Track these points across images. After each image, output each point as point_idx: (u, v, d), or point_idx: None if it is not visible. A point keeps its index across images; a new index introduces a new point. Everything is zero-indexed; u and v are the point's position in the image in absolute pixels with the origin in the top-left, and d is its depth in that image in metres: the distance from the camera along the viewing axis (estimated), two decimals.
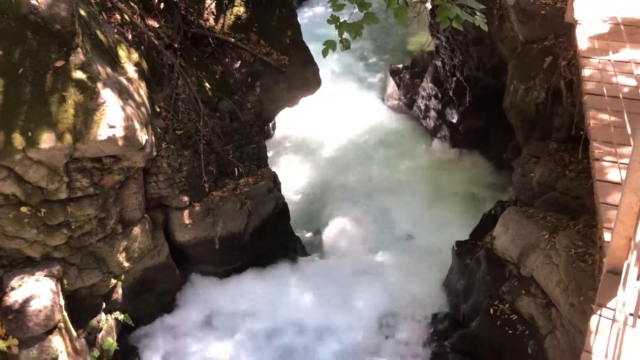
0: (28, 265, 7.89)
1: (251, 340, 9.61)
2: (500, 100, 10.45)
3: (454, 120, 14.44)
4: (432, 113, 15.17)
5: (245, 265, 10.72)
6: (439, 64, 14.75)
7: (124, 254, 8.74)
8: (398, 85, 16.42)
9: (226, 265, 10.56)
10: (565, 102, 8.78)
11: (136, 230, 8.89)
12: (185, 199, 9.64)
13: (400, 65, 16.92)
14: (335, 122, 15.71)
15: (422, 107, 15.56)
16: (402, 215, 12.75)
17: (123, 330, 9.33)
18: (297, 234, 12.00)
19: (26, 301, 7.40)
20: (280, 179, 11.44)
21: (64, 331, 7.82)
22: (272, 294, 10.26)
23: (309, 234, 12.43)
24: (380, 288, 10.60)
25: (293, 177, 13.59)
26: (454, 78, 14.16)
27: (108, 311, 8.89)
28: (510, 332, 7.98)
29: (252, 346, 9.52)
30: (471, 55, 13.19)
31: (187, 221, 9.72)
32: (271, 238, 10.93)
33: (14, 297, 7.45)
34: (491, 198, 12.35)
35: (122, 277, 8.99)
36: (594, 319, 3.96)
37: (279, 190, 11.35)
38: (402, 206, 12.97)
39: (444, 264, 10.69)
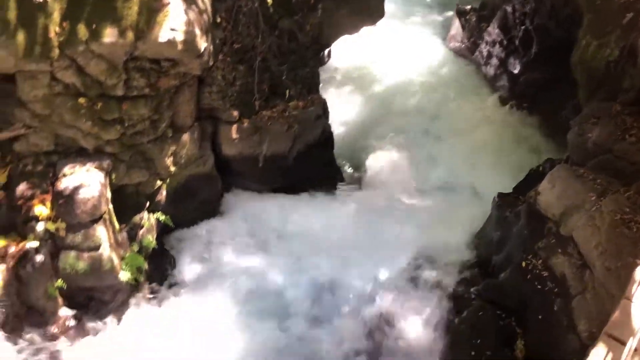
0: (81, 155, 8.23)
1: (284, 257, 9.87)
2: (567, 54, 9.99)
3: (516, 71, 13.92)
4: (494, 60, 14.63)
5: (286, 187, 10.89)
6: (509, 9, 14.09)
7: (171, 158, 8.99)
8: (463, 27, 15.83)
9: (268, 184, 10.77)
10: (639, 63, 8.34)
11: (185, 137, 9.09)
12: (235, 113, 9.74)
13: (469, 7, 16.23)
14: (392, 57, 15.34)
15: (485, 53, 15.02)
16: (446, 160, 12.57)
17: (163, 231, 9.69)
18: (339, 165, 12.03)
19: (76, 189, 7.77)
20: (329, 108, 11.37)
21: (108, 222, 8.20)
22: (309, 216, 10.44)
23: (350, 166, 12.43)
24: (414, 229, 10.64)
25: (342, 108, 13.46)
26: (523, 26, 13.55)
27: (151, 211, 9.24)
28: (539, 287, 7.96)
29: (284, 263, 9.79)
30: (544, 3, 12.52)
31: (234, 136, 9.88)
32: (314, 164, 11.01)
33: (65, 184, 7.83)
34: (541, 154, 12.02)
35: (168, 180, 9.28)
36: (639, 270, 3.94)
37: (327, 118, 11.32)
38: (449, 151, 12.77)
39: (481, 214, 10.58)
